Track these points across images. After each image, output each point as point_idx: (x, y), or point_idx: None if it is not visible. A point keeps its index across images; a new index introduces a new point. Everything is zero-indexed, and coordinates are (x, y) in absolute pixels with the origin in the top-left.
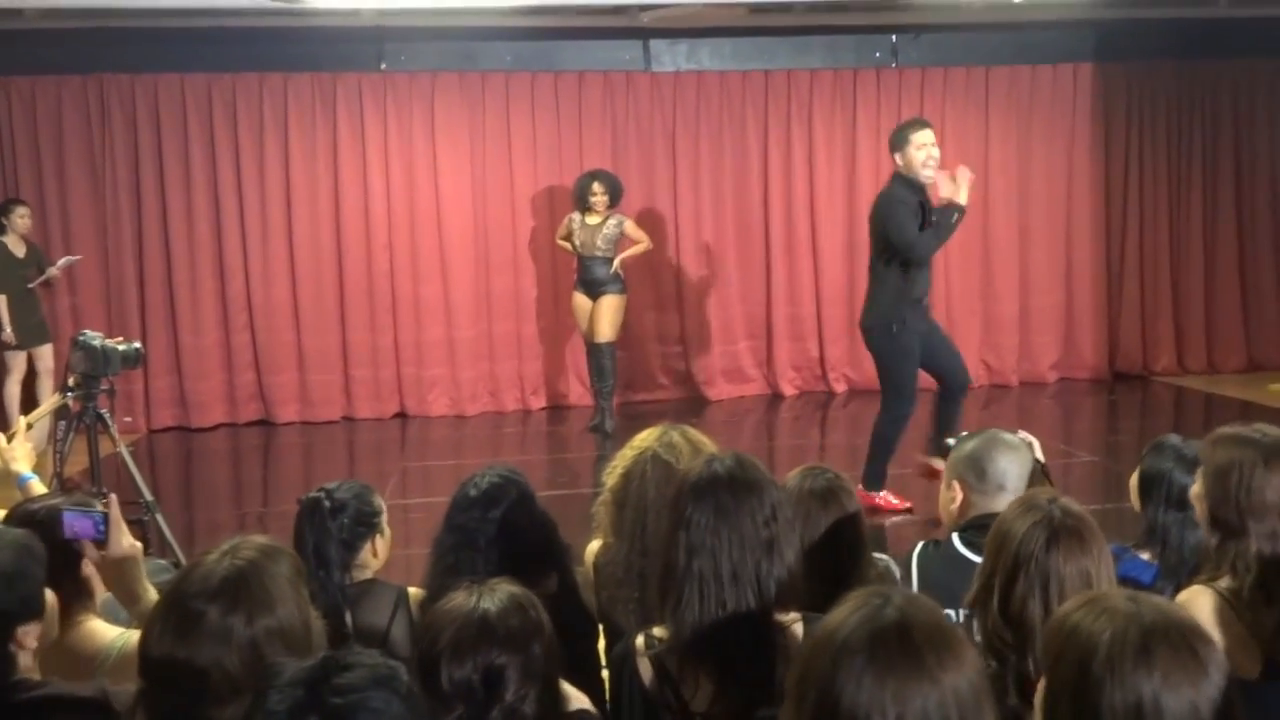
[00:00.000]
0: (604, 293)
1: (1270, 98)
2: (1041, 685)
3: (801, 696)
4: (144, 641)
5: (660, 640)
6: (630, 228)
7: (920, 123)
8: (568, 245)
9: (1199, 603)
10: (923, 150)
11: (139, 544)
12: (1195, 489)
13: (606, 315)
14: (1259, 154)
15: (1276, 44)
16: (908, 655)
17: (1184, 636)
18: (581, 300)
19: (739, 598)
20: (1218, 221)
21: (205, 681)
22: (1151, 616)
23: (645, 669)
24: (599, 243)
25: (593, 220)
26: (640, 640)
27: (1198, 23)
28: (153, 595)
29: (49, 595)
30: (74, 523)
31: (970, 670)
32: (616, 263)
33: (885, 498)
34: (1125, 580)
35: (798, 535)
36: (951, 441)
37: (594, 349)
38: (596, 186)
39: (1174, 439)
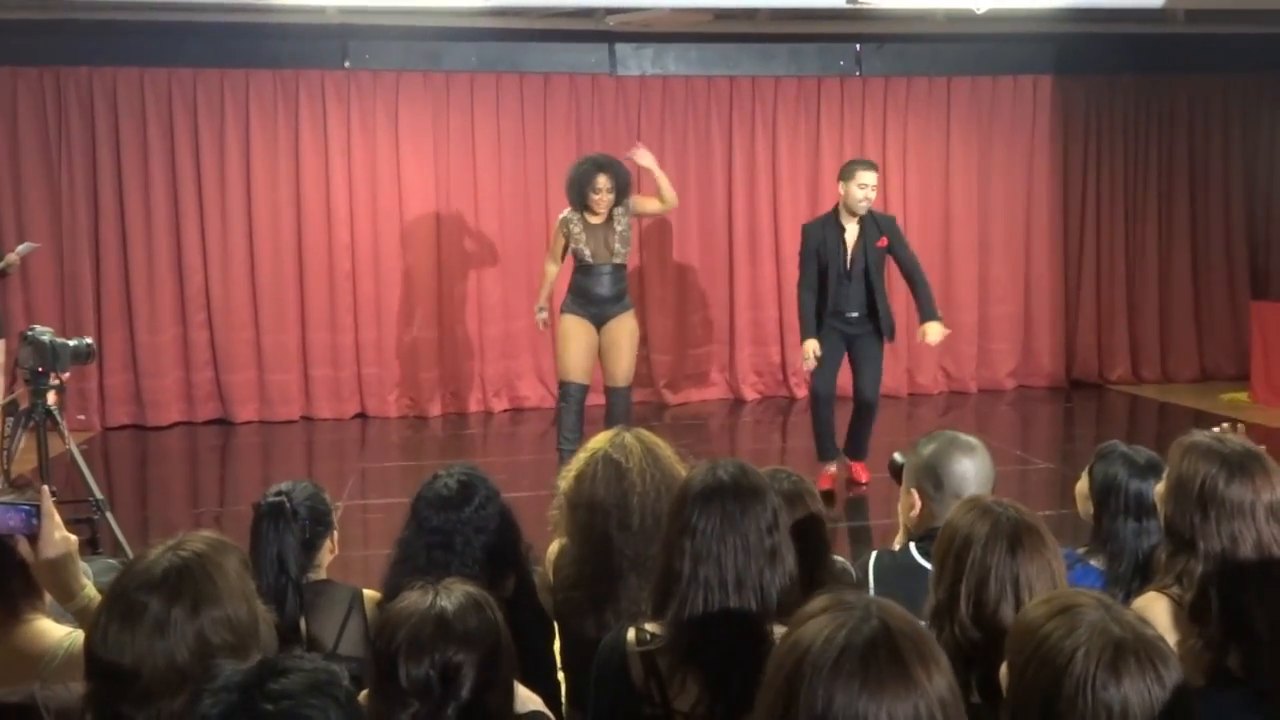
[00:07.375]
0: (614, 314)
1: (1224, 112)
2: (1006, 685)
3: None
4: (89, 639)
5: (654, 636)
6: (639, 202)
7: (865, 163)
8: (553, 271)
9: (1155, 609)
10: (862, 190)
11: (73, 537)
12: (1159, 489)
13: (628, 351)
14: (1213, 167)
15: (1230, 60)
16: (897, 667)
17: (1149, 651)
18: (578, 326)
19: (742, 605)
20: (1172, 234)
21: (153, 674)
22: (1120, 630)
23: (635, 663)
24: (616, 245)
25: (596, 219)
26: (631, 634)
27: (1155, 38)
28: (91, 591)
29: None
30: (4, 516)
31: (948, 672)
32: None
33: (825, 472)
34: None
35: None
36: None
37: (613, 394)
38: (603, 181)
39: (1120, 445)
